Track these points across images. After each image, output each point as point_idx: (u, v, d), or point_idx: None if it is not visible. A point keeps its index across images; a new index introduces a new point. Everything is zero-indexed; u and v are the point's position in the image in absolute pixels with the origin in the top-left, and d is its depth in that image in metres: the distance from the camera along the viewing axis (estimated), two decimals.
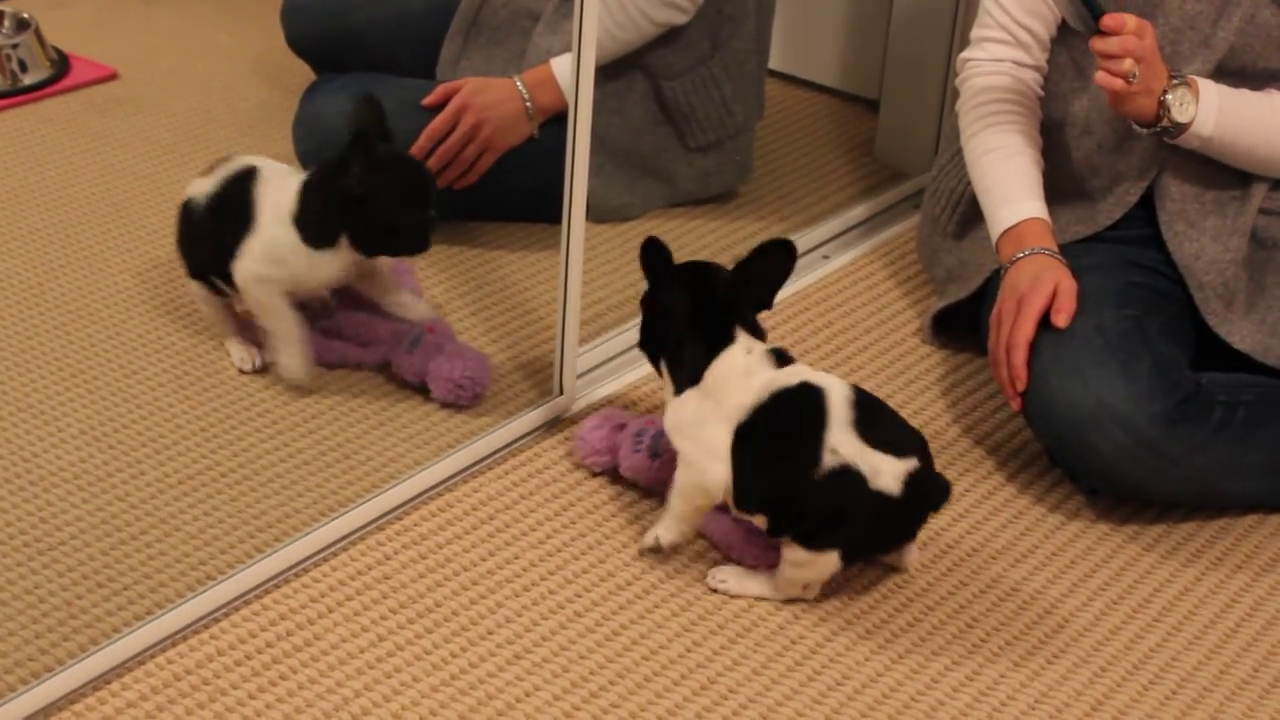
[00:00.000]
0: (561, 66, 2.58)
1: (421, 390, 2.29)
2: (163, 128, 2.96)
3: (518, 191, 2.65)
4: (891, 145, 2.99)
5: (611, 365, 2.38)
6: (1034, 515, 2.14)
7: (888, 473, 1.86)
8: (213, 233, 2.27)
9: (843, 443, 1.86)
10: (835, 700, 1.84)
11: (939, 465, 2.20)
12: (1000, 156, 2.26)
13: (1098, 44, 2.06)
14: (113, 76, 3.14)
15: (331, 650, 1.86)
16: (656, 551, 2.01)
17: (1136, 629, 1.96)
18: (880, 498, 1.86)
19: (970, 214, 2.42)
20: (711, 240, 2.71)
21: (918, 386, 2.38)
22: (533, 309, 2.50)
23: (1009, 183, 2.24)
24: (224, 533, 2.02)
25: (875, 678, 1.88)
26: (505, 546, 2.04)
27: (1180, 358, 2.13)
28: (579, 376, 2.30)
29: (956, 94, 2.40)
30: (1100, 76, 2.07)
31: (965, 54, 2.37)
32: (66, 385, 2.27)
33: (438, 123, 2.57)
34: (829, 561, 1.90)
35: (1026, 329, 2.12)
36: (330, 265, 2.22)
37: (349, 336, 2.34)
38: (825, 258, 2.71)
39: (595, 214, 2.51)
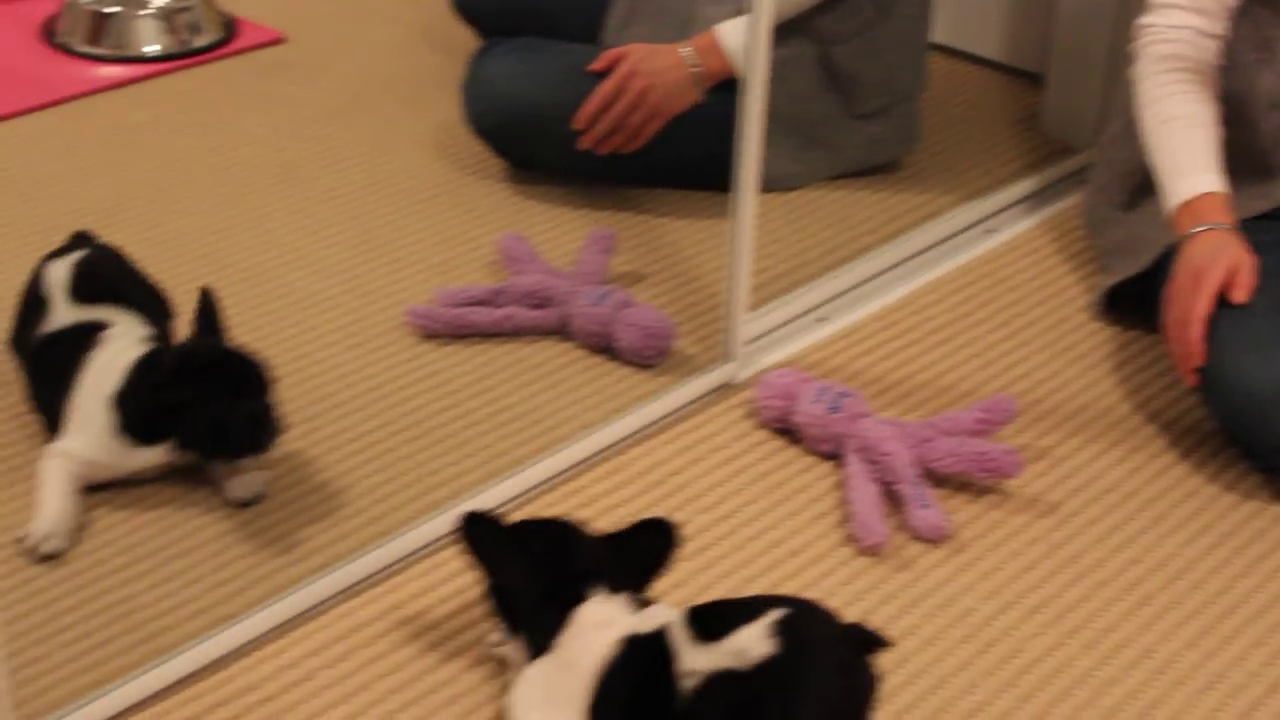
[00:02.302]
0: (727, 33, 2.59)
1: (592, 355, 2.30)
2: (329, 92, 2.99)
3: (683, 158, 2.65)
4: (1057, 119, 2.96)
5: (778, 333, 2.38)
6: (1207, 494, 2.12)
7: (755, 642, 1.58)
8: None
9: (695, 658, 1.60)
10: (1007, 673, 1.84)
11: (1109, 443, 2.19)
12: (1179, 127, 2.23)
13: None
14: (280, 40, 3.17)
15: None
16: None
17: None
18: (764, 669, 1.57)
19: (1142, 185, 2.39)
20: (876, 211, 2.70)
21: (1087, 362, 2.36)
22: (697, 276, 2.50)
23: (1187, 154, 2.22)
24: (398, 489, 2.05)
25: (1049, 651, 1.87)
26: (676, 510, 2.04)
27: None
28: (746, 343, 2.30)
29: (1128, 63, 2.37)
30: None
31: (1144, 19, 2.33)
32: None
33: (605, 88, 2.58)
34: None
35: (1203, 304, 2.10)
36: (149, 458, 2.03)
37: (522, 301, 2.35)
38: (990, 231, 2.69)
39: (760, 182, 2.50)
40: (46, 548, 1.92)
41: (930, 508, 2.01)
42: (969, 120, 3.02)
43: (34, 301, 2.13)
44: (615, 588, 1.70)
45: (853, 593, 1.93)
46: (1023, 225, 2.71)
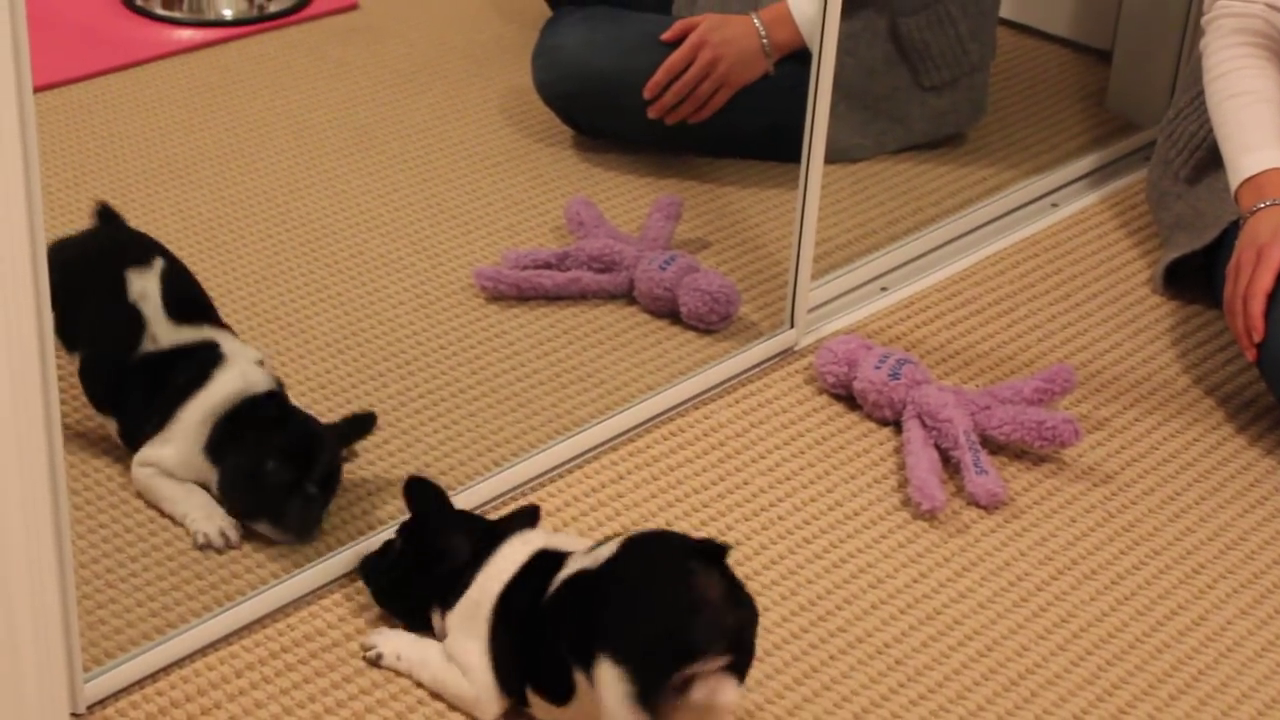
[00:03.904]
0: (798, 4, 2.60)
1: (656, 319, 2.33)
2: (401, 58, 3.03)
3: (751, 129, 2.67)
4: (1124, 96, 2.97)
5: (840, 302, 2.40)
6: (1264, 467, 2.13)
7: (604, 550, 1.64)
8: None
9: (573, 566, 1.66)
10: (1060, 637, 1.86)
11: (1167, 415, 2.21)
12: (1247, 102, 2.24)
13: None
14: (353, 6, 3.21)
15: None
16: (373, 662, 1.79)
17: None
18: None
19: (1207, 160, 2.40)
20: (940, 184, 2.72)
21: (1147, 336, 2.38)
22: (761, 244, 2.53)
23: (1254, 130, 2.22)
24: (462, 446, 2.08)
25: (1100, 617, 1.89)
26: (736, 472, 2.07)
27: None
28: (809, 311, 2.32)
29: (1196, 39, 2.37)
30: None
31: None
32: (311, 300, 2.34)
33: (675, 58, 2.60)
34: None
35: (1266, 280, 2.11)
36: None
37: (589, 265, 2.38)
38: (1054, 205, 2.70)
39: (826, 154, 2.52)
40: (232, 538, 1.92)
41: (987, 474, 2.03)
42: (1035, 95, 3.03)
43: (119, 310, 2.03)
44: (527, 526, 1.79)
45: (909, 556, 1.96)
46: (1086, 200, 2.72)
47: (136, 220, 2.46)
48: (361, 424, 2.07)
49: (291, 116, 2.82)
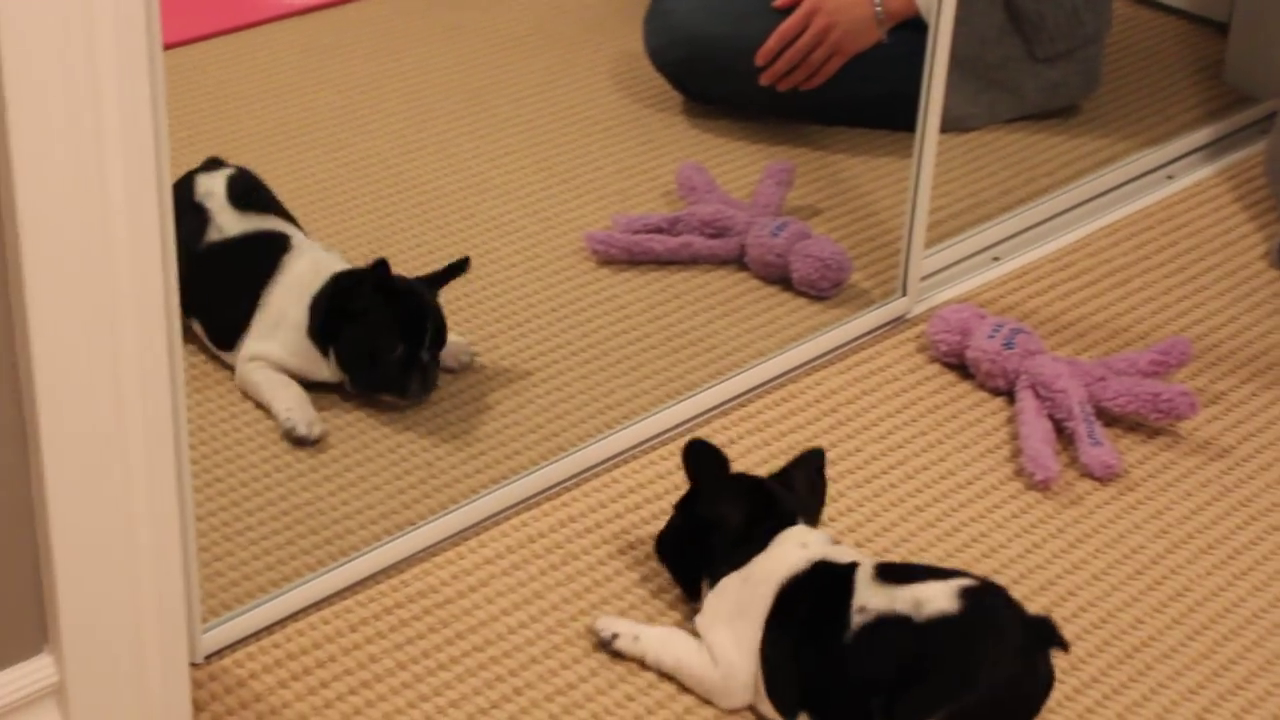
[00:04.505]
0: None
1: (766, 285, 2.33)
2: (513, 21, 3.03)
3: (864, 97, 2.66)
4: (1241, 68, 2.93)
5: (952, 271, 2.39)
6: None
7: (938, 597, 1.59)
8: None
9: (871, 597, 1.62)
10: (1176, 611, 1.84)
11: None
12: None
13: None
14: None
15: None
16: (606, 644, 1.76)
17: None
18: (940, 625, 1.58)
19: None
20: (1054, 154, 2.69)
21: (1265, 310, 2.35)
22: (872, 212, 2.52)
23: None
24: (574, 408, 2.09)
25: (1217, 591, 1.87)
26: (846, 439, 2.07)
27: None
28: (921, 279, 2.31)
29: None
30: None
31: None
32: (423, 261, 2.35)
33: (789, 24, 2.59)
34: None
35: None
36: (330, 370, 2.08)
37: (700, 230, 2.38)
38: (1169, 178, 2.67)
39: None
40: (314, 432, 1.99)
41: (1102, 445, 2.01)
42: (1150, 67, 3.00)
43: (186, 210, 2.09)
44: (810, 521, 1.74)
45: (1021, 526, 1.95)
46: (1202, 172, 2.69)
47: None
48: (456, 269, 2.11)
49: (404, 80, 2.83)
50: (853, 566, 1.65)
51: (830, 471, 1.99)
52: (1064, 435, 2.06)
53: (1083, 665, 1.76)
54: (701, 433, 2.06)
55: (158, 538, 1.54)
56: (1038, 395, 2.08)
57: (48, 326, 1.40)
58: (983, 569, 1.88)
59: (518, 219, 2.46)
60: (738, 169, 2.59)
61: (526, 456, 2.00)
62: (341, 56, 2.89)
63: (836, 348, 2.22)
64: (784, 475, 1.79)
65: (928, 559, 1.89)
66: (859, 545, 1.89)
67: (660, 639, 1.73)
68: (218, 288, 2.10)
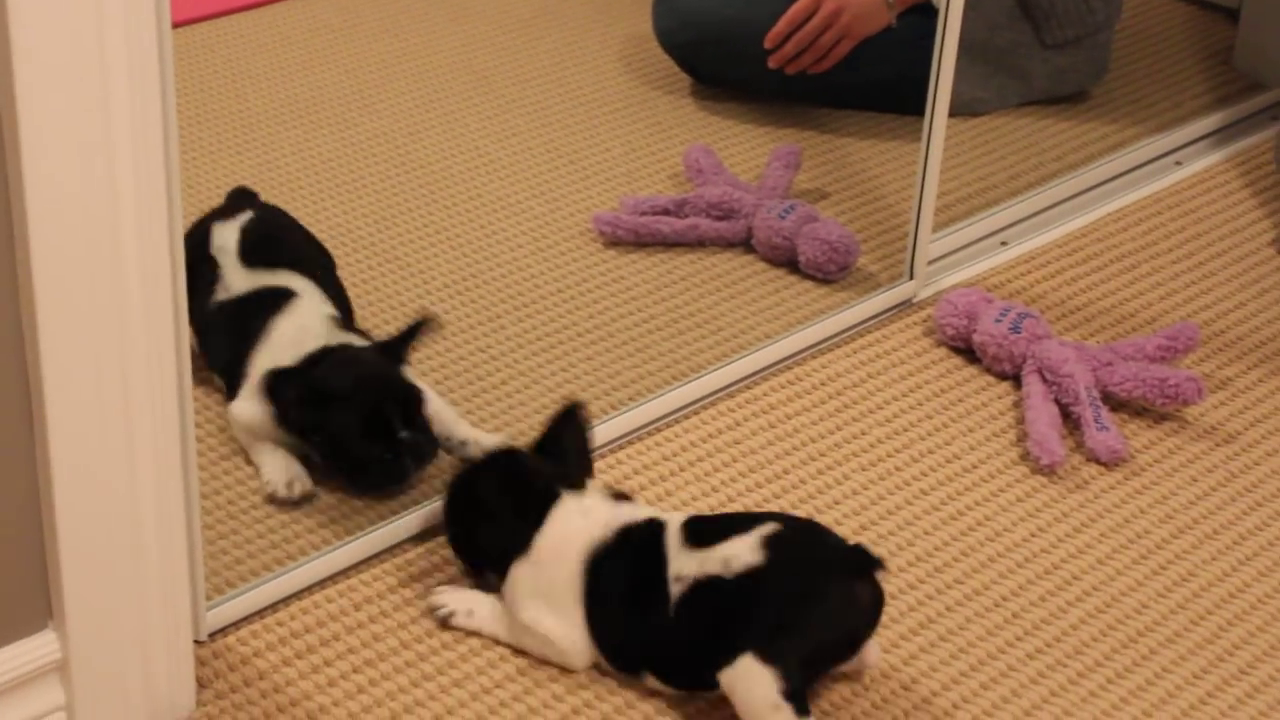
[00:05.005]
0: None
1: (774, 267, 2.32)
2: (521, 2, 3.03)
3: (872, 81, 2.65)
4: (1251, 55, 2.92)
5: (959, 255, 2.39)
6: None
7: (743, 551, 1.61)
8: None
9: (683, 563, 1.63)
10: (1179, 596, 1.84)
11: None
12: None
13: None
14: None
15: (683, 506, 1.91)
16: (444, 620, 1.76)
17: None
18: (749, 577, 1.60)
19: None
20: (1062, 139, 2.69)
21: (1270, 297, 2.34)
22: (880, 195, 2.51)
23: None
24: (580, 389, 2.09)
25: (1221, 578, 1.87)
26: (852, 422, 2.06)
27: None
28: (929, 263, 2.31)
29: None
30: None
31: None
32: (430, 242, 2.35)
33: (797, 8, 2.59)
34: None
35: None
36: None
37: (707, 212, 2.38)
38: (1178, 164, 2.67)
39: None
40: (294, 492, 1.90)
41: (1108, 430, 2.01)
42: (1159, 53, 2.99)
43: (201, 263, 2.02)
44: (575, 486, 1.72)
45: (1027, 510, 1.94)
46: (1210, 159, 2.68)
47: (258, 160, 2.49)
48: (414, 331, 1.96)
49: (411, 59, 2.82)
50: (658, 527, 1.67)
51: (836, 454, 2.01)
52: (1070, 420, 2.06)
53: (1086, 650, 1.76)
54: (709, 414, 2.06)
55: (162, 515, 1.55)
56: (1044, 379, 2.08)
57: (55, 305, 1.40)
58: (988, 552, 1.88)
59: (525, 200, 2.46)
60: (745, 151, 2.59)
61: (532, 437, 1.99)
62: (350, 36, 2.88)
63: (843, 331, 2.22)
64: (549, 439, 1.78)
65: (933, 542, 1.89)
66: (863, 529, 1.89)
67: (494, 616, 1.73)
68: (221, 347, 2.03)
